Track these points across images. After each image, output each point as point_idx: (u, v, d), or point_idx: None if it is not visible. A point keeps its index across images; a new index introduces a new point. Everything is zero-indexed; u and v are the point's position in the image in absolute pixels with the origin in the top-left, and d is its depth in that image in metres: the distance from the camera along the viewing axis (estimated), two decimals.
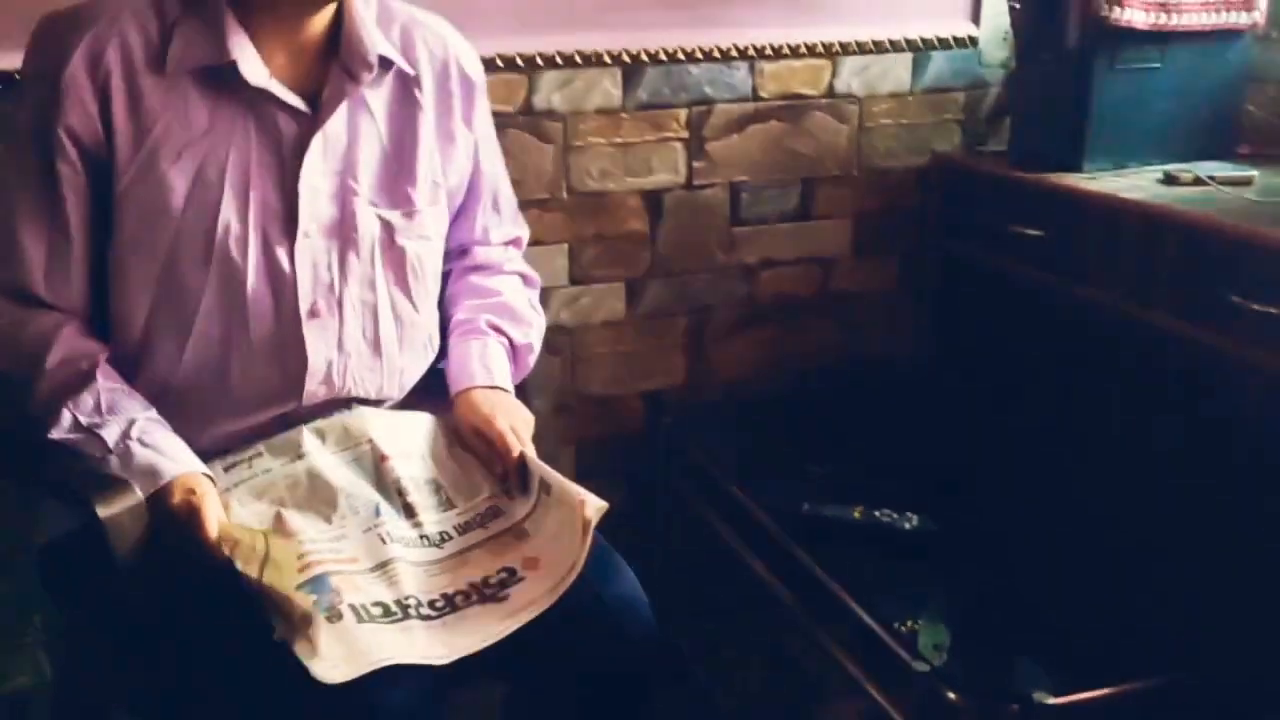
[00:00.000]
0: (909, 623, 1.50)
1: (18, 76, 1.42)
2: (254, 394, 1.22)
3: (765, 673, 1.85)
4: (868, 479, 1.76)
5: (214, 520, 1.09)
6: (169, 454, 1.13)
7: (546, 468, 1.25)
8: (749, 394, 2.14)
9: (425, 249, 1.30)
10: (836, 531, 1.62)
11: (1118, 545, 1.60)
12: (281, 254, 1.19)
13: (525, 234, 1.52)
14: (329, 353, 1.23)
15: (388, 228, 1.25)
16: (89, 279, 1.19)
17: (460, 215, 1.39)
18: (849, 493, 1.68)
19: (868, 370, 2.20)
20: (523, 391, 1.49)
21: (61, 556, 1.20)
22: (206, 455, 1.19)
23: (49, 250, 1.15)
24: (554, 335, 1.94)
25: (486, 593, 1.15)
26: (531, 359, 1.44)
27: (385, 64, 1.23)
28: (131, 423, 1.13)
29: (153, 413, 1.17)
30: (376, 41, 1.21)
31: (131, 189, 1.14)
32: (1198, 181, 1.74)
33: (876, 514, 1.61)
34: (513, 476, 1.25)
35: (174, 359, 1.19)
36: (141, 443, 1.12)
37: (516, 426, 1.28)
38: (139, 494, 1.08)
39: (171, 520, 1.09)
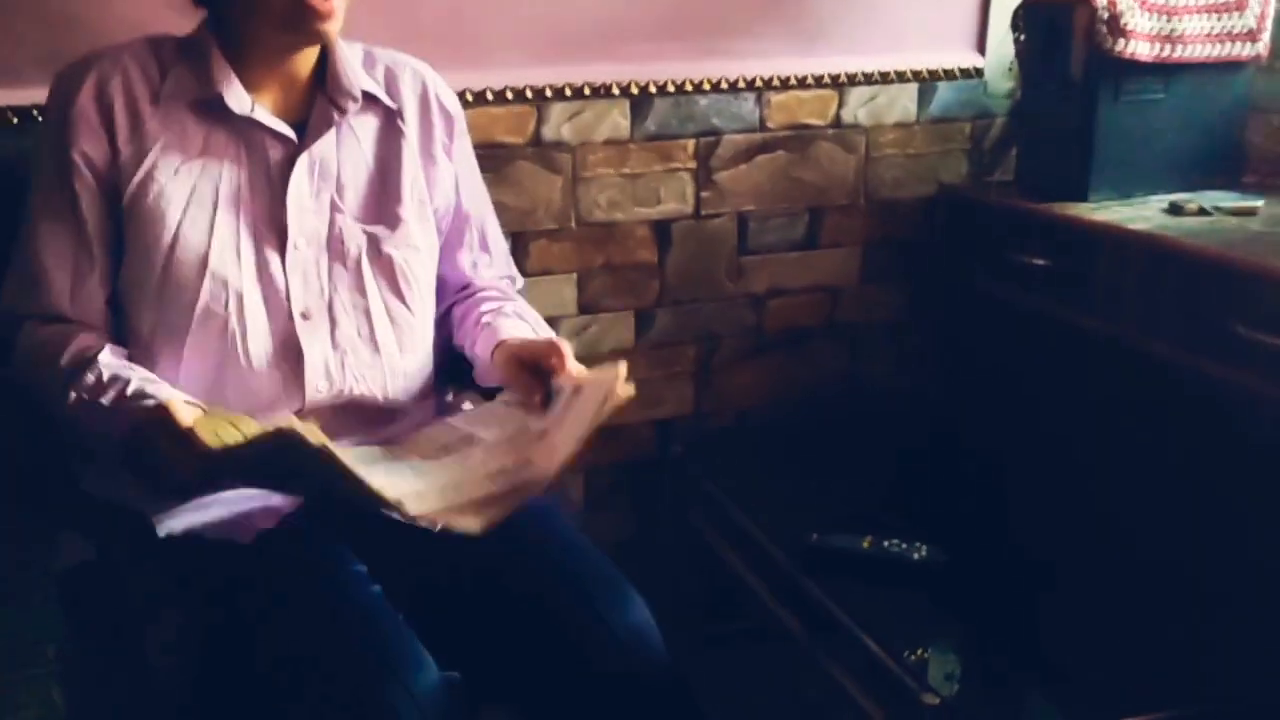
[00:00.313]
0: (919, 653, 1.49)
1: (36, 113, 1.51)
2: (257, 397, 1.26)
3: (774, 703, 1.85)
4: (876, 508, 1.76)
5: (186, 413, 1.09)
6: (160, 389, 1.17)
7: (584, 373, 1.29)
8: (758, 423, 2.15)
9: (414, 257, 1.34)
10: (845, 562, 1.61)
11: (1127, 575, 1.59)
12: (274, 263, 1.26)
13: (520, 281, 1.56)
14: (324, 349, 1.28)
15: (374, 240, 1.31)
16: (109, 294, 1.26)
17: (448, 250, 1.44)
18: (858, 522, 1.68)
19: (875, 399, 2.21)
20: None
21: (80, 583, 1.22)
22: None
23: (73, 271, 1.23)
24: None
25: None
26: None
27: (370, 99, 1.33)
28: (128, 382, 1.17)
29: (152, 375, 1.20)
30: (360, 78, 1.31)
31: (134, 203, 1.22)
32: (1202, 211, 1.75)
33: (885, 544, 1.61)
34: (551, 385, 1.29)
35: (175, 365, 1.24)
36: (140, 394, 1.15)
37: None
38: (155, 528, 1.10)
39: (145, 426, 1.10)
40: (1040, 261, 1.85)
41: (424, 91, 1.39)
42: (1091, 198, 1.85)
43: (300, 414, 1.26)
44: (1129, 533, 1.68)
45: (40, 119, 1.39)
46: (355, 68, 1.32)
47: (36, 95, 1.53)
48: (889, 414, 2.19)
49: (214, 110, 1.25)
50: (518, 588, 1.23)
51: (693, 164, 1.99)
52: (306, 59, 1.28)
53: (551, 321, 1.92)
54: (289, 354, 1.27)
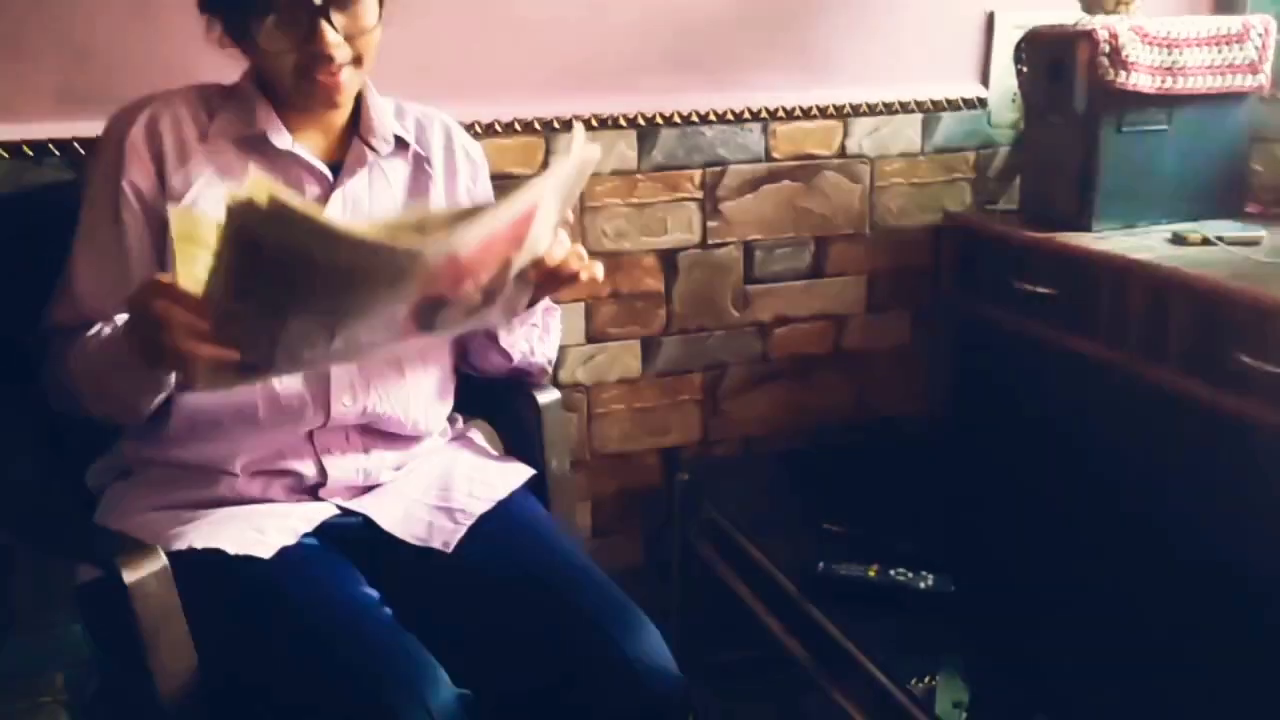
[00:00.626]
0: (925, 681, 1.50)
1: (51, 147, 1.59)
2: (284, 412, 1.28)
3: None
4: (883, 537, 1.77)
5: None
6: None
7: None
8: (764, 450, 2.16)
9: None
10: (852, 590, 1.62)
11: (1133, 604, 1.60)
12: None
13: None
14: (350, 368, 1.31)
15: None
16: None
17: None
18: (864, 551, 1.69)
19: (881, 426, 2.22)
20: (540, 448, 1.52)
21: (100, 598, 1.23)
22: (240, 477, 1.29)
23: (111, 291, 1.24)
24: (570, 393, 1.98)
25: None
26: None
27: (401, 144, 1.39)
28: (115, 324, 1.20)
29: None
30: (391, 125, 1.38)
31: None
32: (1206, 242, 1.77)
33: (892, 573, 1.61)
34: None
35: None
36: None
37: None
38: (164, 558, 1.11)
39: (135, 316, 1.07)
40: (1045, 290, 1.87)
41: (449, 140, 1.45)
42: (1095, 227, 1.86)
43: (325, 428, 1.31)
44: (1134, 560, 1.68)
45: (93, 151, 1.42)
46: (387, 115, 1.38)
47: (53, 130, 1.59)
48: (895, 442, 2.21)
49: (257, 146, 1.31)
50: (531, 616, 1.24)
51: (699, 194, 2.01)
52: (344, 107, 1.35)
53: (560, 349, 1.94)
54: (316, 373, 1.30)
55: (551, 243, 1.15)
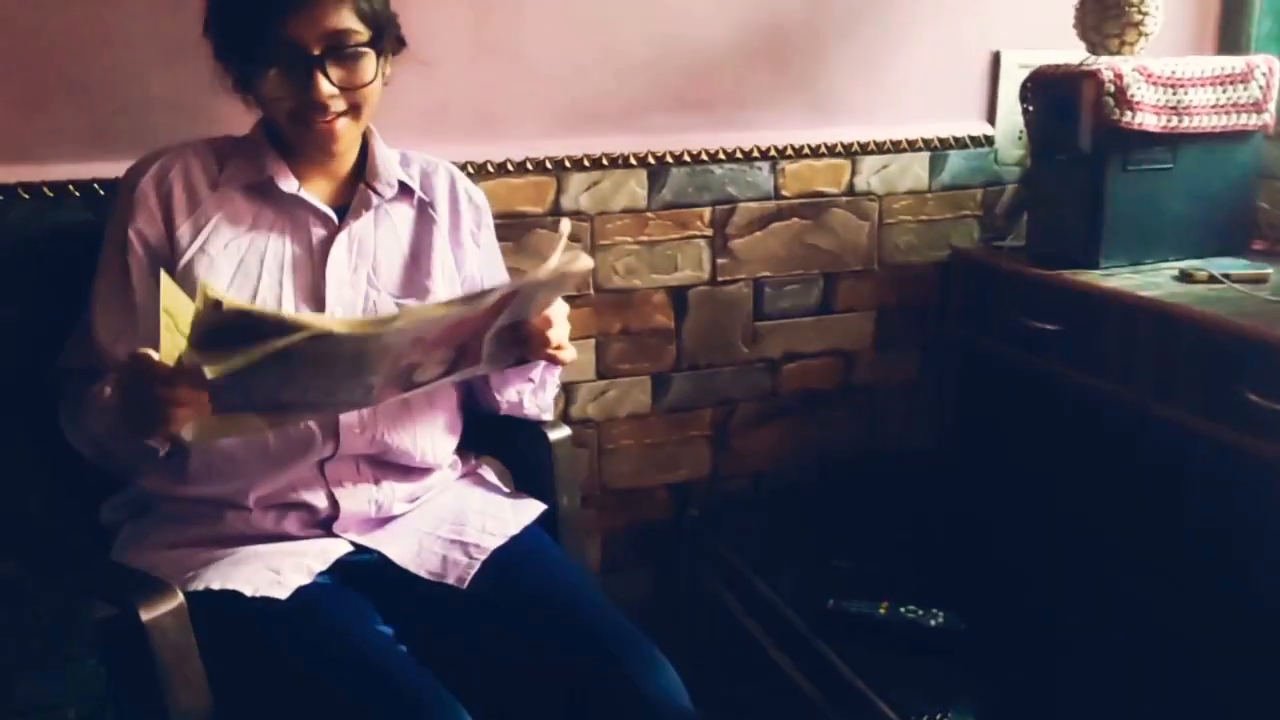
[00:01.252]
0: (935, 719, 1.50)
1: (72, 188, 1.64)
2: (295, 444, 1.31)
3: None
4: (892, 573, 1.77)
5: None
6: None
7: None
8: (774, 486, 2.17)
9: None
10: (862, 627, 1.62)
11: (1142, 639, 1.60)
12: None
13: None
14: None
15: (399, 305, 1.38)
16: None
17: None
18: (873, 587, 1.70)
19: (890, 462, 2.23)
20: (550, 483, 1.53)
21: (119, 634, 1.24)
22: (254, 511, 1.31)
23: (118, 334, 1.29)
24: (581, 428, 1.99)
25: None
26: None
27: (405, 190, 1.44)
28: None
29: None
30: (396, 171, 1.43)
31: (185, 272, 1.29)
32: (1212, 279, 1.77)
33: (902, 610, 1.62)
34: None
35: None
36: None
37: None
38: (181, 596, 1.12)
39: (123, 382, 1.11)
40: (1052, 327, 1.88)
41: (453, 186, 1.49)
42: (1102, 265, 1.87)
43: (335, 458, 1.34)
44: (1143, 597, 1.68)
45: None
46: (392, 162, 1.43)
47: (74, 171, 1.63)
48: (904, 477, 2.21)
49: (265, 192, 1.35)
50: (546, 652, 1.25)
51: (709, 231, 2.03)
52: (349, 156, 1.40)
53: (570, 386, 1.97)
54: None
55: (536, 312, 1.24)
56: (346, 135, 1.33)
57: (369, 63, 1.30)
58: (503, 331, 1.22)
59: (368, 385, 1.12)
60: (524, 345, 1.27)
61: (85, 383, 1.28)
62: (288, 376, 1.07)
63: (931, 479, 2.20)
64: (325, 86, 1.27)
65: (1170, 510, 1.70)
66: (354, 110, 1.31)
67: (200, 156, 1.35)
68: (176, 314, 1.04)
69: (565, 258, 1.15)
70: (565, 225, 1.26)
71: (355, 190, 1.40)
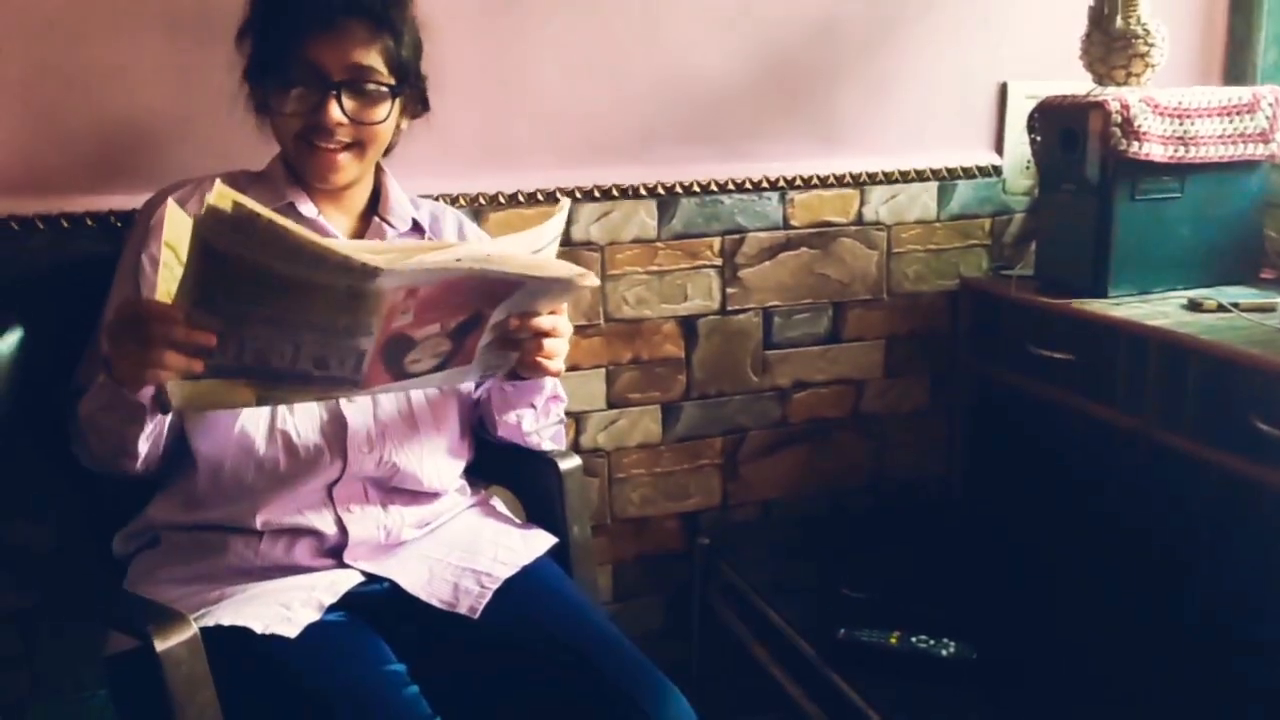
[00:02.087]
0: None
1: (89, 220, 1.65)
2: (303, 460, 1.32)
3: None
4: (903, 602, 1.77)
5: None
6: None
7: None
8: (784, 515, 2.17)
9: None
10: (873, 657, 1.62)
11: (1154, 670, 1.59)
12: None
13: None
14: (367, 419, 1.36)
15: None
16: None
17: None
18: (885, 616, 1.69)
19: (900, 491, 2.23)
20: (561, 513, 1.53)
21: (129, 669, 1.24)
22: (263, 538, 1.32)
23: None
24: (591, 458, 1.99)
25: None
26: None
27: (416, 227, 1.48)
28: None
29: None
30: (409, 209, 1.47)
31: None
32: (1221, 308, 1.78)
33: (914, 640, 1.61)
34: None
35: (229, 433, 1.30)
36: None
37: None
38: (194, 627, 1.13)
39: (112, 329, 1.10)
40: (1061, 355, 1.88)
41: (461, 229, 1.53)
42: (1111, 294, 1.88)
43: (343, 480, 1.35)
44: (1155, 625, 1.68)
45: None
46: (405, 200, 1.47)
47: (89, 203, 1.65)
48: (915, 506, 2.21)
49: (283, 215, 1.33)
50: (559, 684, 1.26)
51: (718, 261, 2.04)
52: (363, 193, 1.44)
53: (580, 415, 1.97)
54: (334, 424, 1.34)
55: (546, 311, 1.24)
56: (348, 169, 1.35)
57: (384, 104, 1.33)
58: (499, 328, 1.21)
59: (360, 352, 1.08)
60: (517, 346, 1.26)
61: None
62: (281, 314, 1.03)
63: (942, 507, 2.20)
64: (335, 113, 1.30)
65: (1179, 537, 1.69)
66: (358, 146, 1.34)
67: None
68: (178, 245, 1.01)
69: (578, 269, 1.17)
70: (565, 203, 1.23)
71: (369, 224, 1.44)
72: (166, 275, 1.04)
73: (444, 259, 1.05)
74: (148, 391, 1.14)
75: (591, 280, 1.18)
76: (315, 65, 1.29)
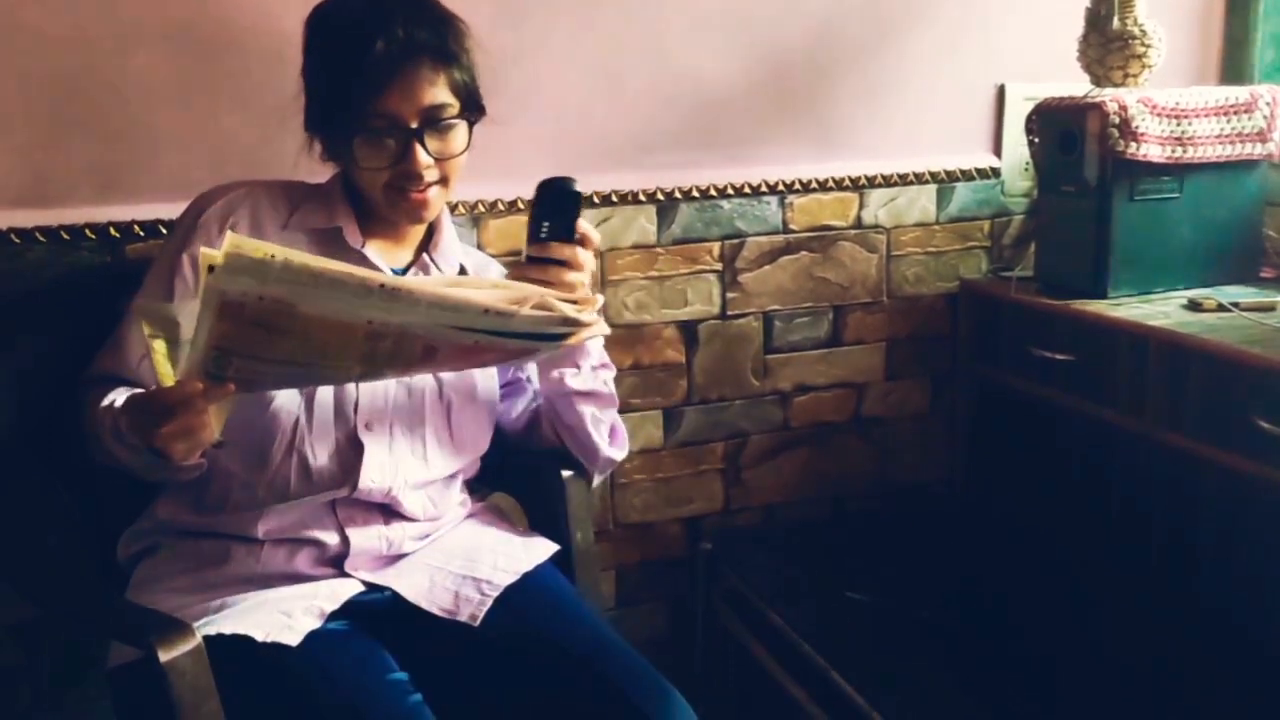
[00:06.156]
0: None
1: (88, 231, 1.64)
2: (315, 481, 1.32)
3: None
4: (906, 605, 1.77)
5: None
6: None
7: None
8: (786, 518, 2.17)
9: (469, 406, 1.44)
10: (877, 659, 1.62)
11: (1158, 668, 1.59)
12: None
13: None
14: (382, 451, 1.35)
15: (439, 383, 1.41)
16: None
17: (514, 388, 1.55)
18: (887, 619, 1.69)
19: (901, 493, 2.23)
20: (564, 519, 1.53)
21: (132, 681, 1.24)
22: (264, 547, 1.32)
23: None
24: None
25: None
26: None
27: (462, 272, 1.47)
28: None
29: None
30: (458, 251, 1.48)
31: None
32: (1221, 307, 1.78)
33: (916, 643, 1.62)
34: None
35: (245, 448, 1.30)
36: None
37: None
38: (198, 637, 1.13)
39: (135, 411, 1.14)
40: (1062, 357, 1.88)
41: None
42: (1110, 295, 1.88)
43: (351, 498, 1.34)
44: (1158, 624, 1.68)
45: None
46: (456, 241, 1.48)
47: (90, 215, 1.65)
48: (916, 508, 2.21)
49: (331, 240, 1.37)
50: (562, 691, 1.26)
51: (718, 266, 2.04)
52: (418, 230, 1.44)
53: None
54: (350, 448, 1.34)
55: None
56: (436, 204, 1.36)
57: (461, 133, 1.34)
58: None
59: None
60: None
61: (106, 386, 1.29)
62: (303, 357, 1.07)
63: (944, 510, 2.20)
64: (423, 158, 1.30)
65: (1181, 537, 1.70)
66: (444, 181, 1.35)
67: (271, 196, 1.38)
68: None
69: (593, 331, 1.18)
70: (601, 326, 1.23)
71: (417, 258, 1.44)
72: (167, 355, 1.07)
73: (469, 322, 1.09)
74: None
75: (603, 329, 1.21)
76: (392, 116, 1.28)
